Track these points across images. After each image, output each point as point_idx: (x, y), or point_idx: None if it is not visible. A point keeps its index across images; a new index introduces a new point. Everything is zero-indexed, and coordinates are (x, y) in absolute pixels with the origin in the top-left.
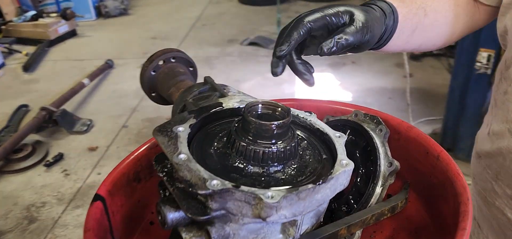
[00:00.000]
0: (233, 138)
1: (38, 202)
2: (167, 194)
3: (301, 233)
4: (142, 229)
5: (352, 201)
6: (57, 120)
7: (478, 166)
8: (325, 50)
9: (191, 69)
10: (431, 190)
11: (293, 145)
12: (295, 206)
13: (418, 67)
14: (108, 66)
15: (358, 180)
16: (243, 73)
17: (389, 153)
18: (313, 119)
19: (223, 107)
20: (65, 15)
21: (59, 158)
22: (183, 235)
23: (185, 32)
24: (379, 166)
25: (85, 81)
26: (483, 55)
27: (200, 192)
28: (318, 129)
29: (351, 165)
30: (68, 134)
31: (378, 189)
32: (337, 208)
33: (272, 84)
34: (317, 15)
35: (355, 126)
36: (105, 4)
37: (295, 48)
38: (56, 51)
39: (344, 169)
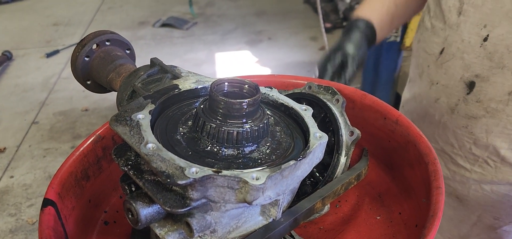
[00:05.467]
0: (202, 121)
1: None
2: (133, 189)
3: (278, 216)
4: (97, 231)
5: (317, 174)
6: None
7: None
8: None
9: (128, 51)
10: (391, 154)
11: (265, 122)
12: (279, 185)
13: (330, 39)
14: (6, 58)
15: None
16: (159, 57)
17: (348, 122)
18: (275, 94)
19: (180, 89)
20: None
21: None
22: (157, 231)
23: (90, 17)
24: (341, 136)
25: None
26: None
27: (179, 182)
28: (283, 103)
29: (325, 137)
30: None
31: (343, 159)
32: (303, 182)
33: (192, 65)
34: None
35: (311, 98)
36: None
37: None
38: None
39: (319, 142)
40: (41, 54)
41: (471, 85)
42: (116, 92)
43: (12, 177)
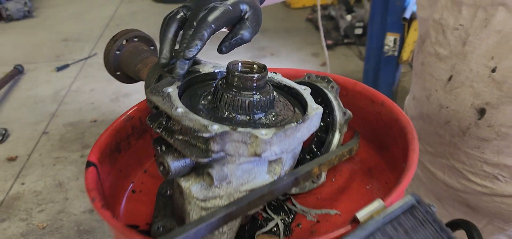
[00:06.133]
0: (220, 92)
1: None
2: (163, 148)
3: (282, 174)
4: (126, 197)
5: (315, 149)
6: None
7: None
8: (224, 50)
9: (152, 48)
10: (378, 133)
11: (271, 95)
12: (282, 143)
13: (331, 55)
14: (17, 71)
15: (319, 132)
16: None
17: (341, 104)
18: (279, 77)
19: (200, 72)
20: None
21: None
22: (183, 184)
23: (99, 33)
24: (335, 116)
25: None
26: (390, 39)
27: (204, 135)
28: (286, 85)
29: (321, 109)
30: None
31: (337, 135)
32: (303, 157)
33: None
34: (217, 13)
35: (310, 86)
36: (6, 6)
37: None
38: None
39: (315, 112)
40: (51, 68)
41: (482, 112)
42: (143, 82)
43: (23, 184)
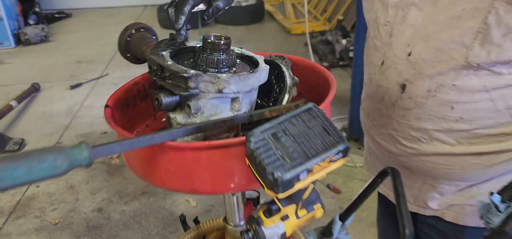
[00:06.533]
0: (198, 54)
1: None
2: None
3: (241, 112)
4: None
5: (271, 104)
6: None
7: (362, 112)
8: (206, 19)
9: (154, 37)
10: (317, 89)
11: (233, 56)
12: (238, 84)
13: None
14: (34, 89)
15: (274, 94)
16: None
17: (291, 74)
18: (244, 51)
19: (186, 45)
20: None
21: None
22: (171, 115)
23: (110, 56)
24: (286, 81)
25: (13, 103)
26: None
27: (184, 75)
28: (247, 55)
29: (267, 67)
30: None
31: (286, 96)
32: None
33: None
34: None
35: (269, 61)
36: (25, 31)
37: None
38: None
39: (263, 68)
40: (65, 87)
41: (403, 87)
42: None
43: (38, 186)
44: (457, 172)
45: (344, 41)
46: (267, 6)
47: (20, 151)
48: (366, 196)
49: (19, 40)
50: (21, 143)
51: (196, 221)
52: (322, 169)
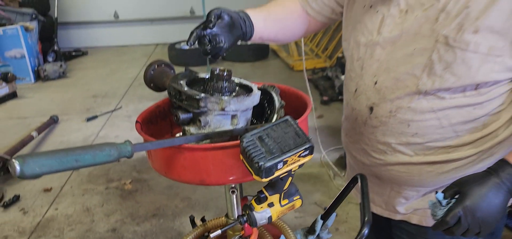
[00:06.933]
0: (207, 82)
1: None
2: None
3: (239, 126)
4: None
5: (263, 123)
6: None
7: (342, 131)
8: (212, 57)
9: (172, 71)
10: (298, 109)
11: (234, 84)
12: (236, 105)
13: (327, 110)
14: (53, 121)
15: (266, 115)
16: None
17: (279, 98)
18: (242, 80)
19: (198, 75)
20: (6, 78)
21: (16, 199)
22: (186, 128)
23: (124, 91)
24: (275, 105)
25: (34, 134)
26: None
27: (197, 97)
28: (244, 84)
29: (259, 92)
30: (21, 180)
31: (275, 115)
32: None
33: None
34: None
35: (262, 89)
36: (44, 68)
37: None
38: None
39: (256, 93)
40: (82, 119)
41: (371, 109)
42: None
43: (56, 209)
44: (416, 179)
45: (343, 77)
46: (272, 44)
47: (39, 178)
48: (342, 198)
49: (39, 76)
50: None
51: (203, 219)
52: (294, 161)
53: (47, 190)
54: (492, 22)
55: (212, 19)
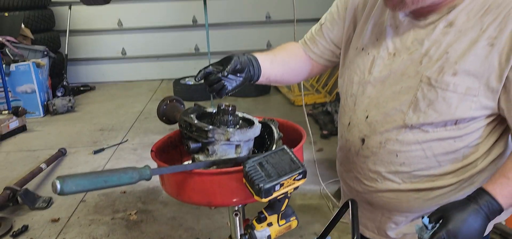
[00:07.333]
0: (214, 116)
1: None
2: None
3: (242, 154)
4: None
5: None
6: (20, 197)
7: (337, 161)
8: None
9: (182, 106)
10: (295, 139)
11: (238, 118)
12: (240, 136)
13: (327, 143)
14: (61, 153)
15: (266, 145)
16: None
17: (278, 130)
18: (245, 114)
19: (206, 110)
20: (17, 112)
21: (24, 229)
22: (195, 156)
23: (130, 124)
24: (274, 136)
25: (43, 166)
26: None
27: (205, 129)
28: (247, 118)
29: (259, 125)
30: (30, 210)
31: (274, 146)
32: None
33: None
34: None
35: (263, 122)
36: (53, 102)
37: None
38: (7, 144)
39: (257, 125)
40: (89, 152)
41: (363, 141)
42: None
43: (64, 238)
44: (404, 205)
45: None
46: None
47: (47, 208)
48: (335, 222)
49: (48, 110)
50: (49, 201)
51: None
52: (290, 184)
53: (55, 220)
54: (468, 66)
55: (227, 69)
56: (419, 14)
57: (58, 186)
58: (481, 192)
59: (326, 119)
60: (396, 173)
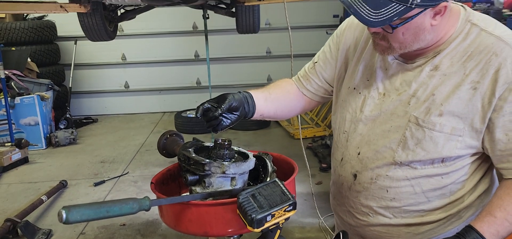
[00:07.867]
0: (211, 150)
1: None
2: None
3: (237, 186)
4: None
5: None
6: (20, 229)
7: (330, 196)
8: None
9: (181, 140)
10: (287, 172)
11: (233, 152)
12: (235, 169)
13: (326, 177)
14: (62, 185)
15: (260, 178)
16: None
17: (272, 163)
18: (240, 148)
19: (204, 144)
20: (20, 144)
21: None
22: (193, 188)
23: (131, 156)
24: (268, 169)
25: (43, 198)
26: None
27: (203, 162)
28: (242, 151)
29: (254, 159)
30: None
31: (268, 179)
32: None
33: None
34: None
35: (257, 156)
36: (56, 134)
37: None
38: (9, 176)
39: (251, 159)
40: (90, 184)
41: (355, 176)
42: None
43: None
44: None
45: None
46: None
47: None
48: None
49: (50, 142)
50: (49, 233)
51: None
52: (281, 215)
53: None
54: (453, 108)
55: (222, 108)
56: (407, 58)
57: (64, 215)
58: (469, 229)
59: (325, 152)
60: (387, 208)
